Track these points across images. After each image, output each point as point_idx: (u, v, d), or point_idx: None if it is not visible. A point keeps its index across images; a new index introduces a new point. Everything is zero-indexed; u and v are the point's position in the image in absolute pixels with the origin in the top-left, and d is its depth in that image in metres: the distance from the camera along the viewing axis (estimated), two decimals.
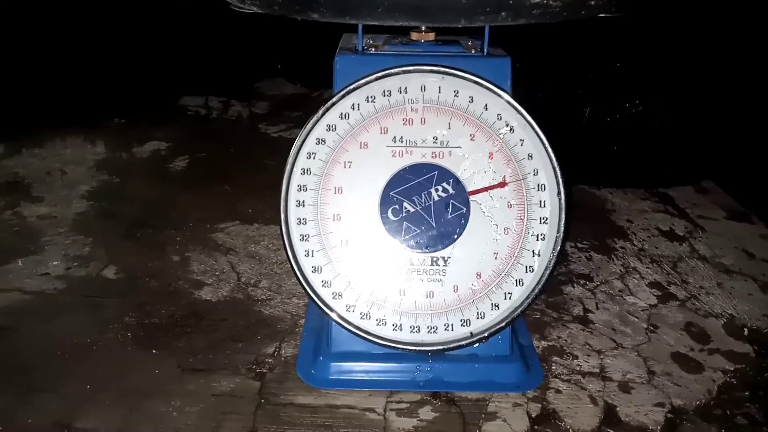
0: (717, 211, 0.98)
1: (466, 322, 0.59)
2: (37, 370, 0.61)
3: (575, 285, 0.77)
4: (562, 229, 0.58)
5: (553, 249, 0.58)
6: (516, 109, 0.57)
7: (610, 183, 1.04)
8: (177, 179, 1.05)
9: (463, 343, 0.58)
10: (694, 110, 0.99)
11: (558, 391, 0.60)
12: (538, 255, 0.58)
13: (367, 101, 0.58)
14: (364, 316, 0.59)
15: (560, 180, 0.57)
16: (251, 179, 1.03)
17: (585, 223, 0.91)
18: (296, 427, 0.55)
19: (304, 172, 0.59)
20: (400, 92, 0.58)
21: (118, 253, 0.81)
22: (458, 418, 0.56)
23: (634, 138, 0.99)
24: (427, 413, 0.57)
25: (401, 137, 0.59)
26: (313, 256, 0.59)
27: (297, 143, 0.58)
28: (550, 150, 0.57)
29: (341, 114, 0.58)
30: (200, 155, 1.13)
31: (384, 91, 0.58)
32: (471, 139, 0.58)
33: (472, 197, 0.59)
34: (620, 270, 0.81)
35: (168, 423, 0.55)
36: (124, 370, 0.61)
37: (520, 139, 0.58)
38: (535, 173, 0.58)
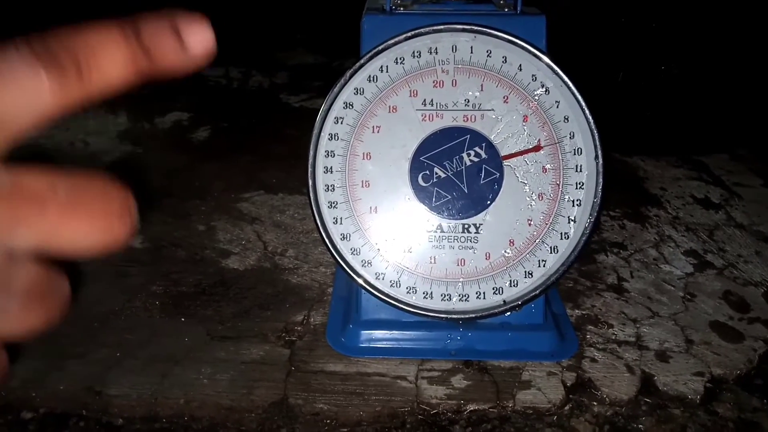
0: (754, 179, 0.94)
1: (498, 291, 0.57)
2: (67, 337, 0.61)
3: (609, 254, 0.75)
4: (599, 194, 0.56)
5: (590, 215, 0.56)
6: (552, 69, 0.55)
7: (642, 150, 1.01)
8: (199, 149, 1.04)
9: (496, 311, 0.57)
10: (730, 75, 0.95)
11: (593, 360, 0.58)
12: (574, 221, 0.57)
13: (396, 63, 0.56)
14: (394, 284, 0.58)
15: (598, 143, 0.55)
16: (273, 149, 1.01)
17: (617, 191, 0.88)
18: (327, 395, 0.54)
19: (331, 137, 0.57)
20: (431, 53, 0.56)
21: (143, 223, 0.81)
22: (491, 386, 0.55)
23: (667, 103, 0.96)
24: (459, 381, 0.56)
25: (431, 100, 0.57)
26: (341, 223, 0.58)
27: (324, 108, 0.56)
28: (587, 112, 0.55)
29: (369, 77, 0.56)
30: (222, 125, 1.12)
31: (414, 52, 0.56)
32: (504, 102, 0.56)
33: (505, 162, 0.57)
34: (655, 238, 0.79)
35: (198, 390, 0.55)
36: (153, 337, 0.61)
37: (556, 101, 0.56)
38: (572, 136, 0.56)
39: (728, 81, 0.95)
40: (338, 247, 0.58)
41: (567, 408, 0.54)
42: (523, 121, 0.56)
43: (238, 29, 1.49)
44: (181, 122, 1.13)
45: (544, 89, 0.56)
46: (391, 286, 0.58)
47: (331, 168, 0.57)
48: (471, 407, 0.54)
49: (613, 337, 0.61)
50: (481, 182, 0.57)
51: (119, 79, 0.19)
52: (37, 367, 0.57)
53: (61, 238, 0.18)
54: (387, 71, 0.56)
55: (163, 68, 0.20)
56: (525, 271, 0.57)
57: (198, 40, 0.20)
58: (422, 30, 0.55)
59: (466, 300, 0.58)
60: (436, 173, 0.57)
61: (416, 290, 0.58)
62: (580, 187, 0.56)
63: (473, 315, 0.57)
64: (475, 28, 0.55)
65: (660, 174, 0.95)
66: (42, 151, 1.01)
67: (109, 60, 0.19)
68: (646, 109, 0.96)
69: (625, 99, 0.94)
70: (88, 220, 0.18)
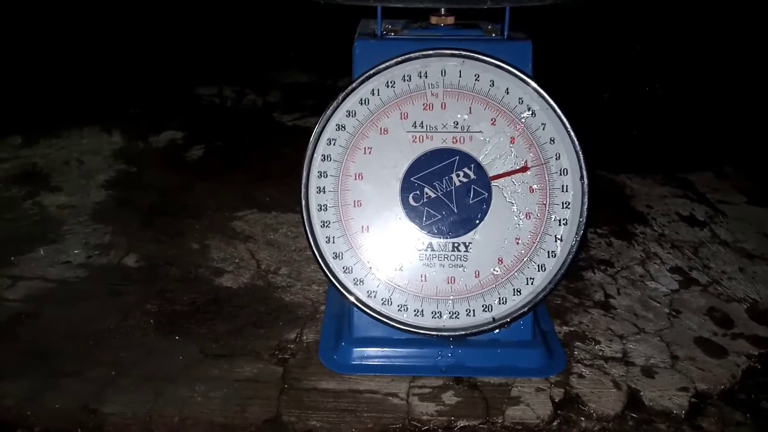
0: (737, 196, 0.96)
1: (487, 308, 0.59)
2: (62, 355, 0.62)
3: (596, 271, 0.77)
4: (585, 213, 0.57)
5: (576, 234, 0.57)
6: (538, 92, 0.57)
7: (628, 169, 1.03)
8: (193, 168, 1.05)
9: (485, 328, 0.58)
10: (714, 94, 0.97)
11: (581, 376, 0.60)
12: (561, 240, 0.58)
13: (387, 86, 0.58)
14: (386, 302, 0.59)
15: (583, 164, 0.57)
16: (267, 167, 1.03)
17: (604, 209, 0.90)
18: (320, 412, 0.55)
19: (324, 158, 0.58)
20: (420, 77, 0.58)
21: (138, 242, 0.82)
22: (481, 402, 0.56)
23: (653, 123, 0.98)
24: (450, 398, 0.57)
25: (422, 122, 0.58)
26: (334, 242, 0.59)
27: (317, 129, 0.58)
28: (572, 134, 0.57)
29: (361, 99, 0.58)
30: (216, 144, 1.14)
31: (404, 76, 0.58)
32: (492, 124, 0.58)
33: (493, 182, 0.58)
34: (641, 255, 0.80)
35: (193, 407, 0.56)
36: (147, 355, 0.62)
37: (542, 123, 0.58)
38: (558, 157, 0.58)
39: (712, 101, 0.97)
40: (331, 265, 0.59)
41: (555, 423, 0.55)
42: (511, 142, 0.58)
43: (232, 48, 1.51)
44: (176, 141, 1.15)
45: (530, 112, 0.57)
46: (382, 303, 0.59)
47: (324, 188, 0.59)
48: (461, 423, 0.54)
49: (600, 354, 0.63)
50: (470, 202, 0.58)
51: None
52: (33, 385, 0.58)
53: None
54: (378, 94, 0.58)
55: None
56: (514, 289, 0.58)
57: None
58: (412, 55, 0.57)
59: (456, 317, 0.59)
60: (427, 193, 0.58)
61: (407, 308, 0.59)
62: (567, 207, 0.58)
63: (463, 332, 0.58)
64: (464, 52, 0.56)
65: (646, 192, 0.97)
66: (36, 170, 1.02)
67: None
68: (632, 128, 0.98)
69: (613, 118, 0.96)
70: None
